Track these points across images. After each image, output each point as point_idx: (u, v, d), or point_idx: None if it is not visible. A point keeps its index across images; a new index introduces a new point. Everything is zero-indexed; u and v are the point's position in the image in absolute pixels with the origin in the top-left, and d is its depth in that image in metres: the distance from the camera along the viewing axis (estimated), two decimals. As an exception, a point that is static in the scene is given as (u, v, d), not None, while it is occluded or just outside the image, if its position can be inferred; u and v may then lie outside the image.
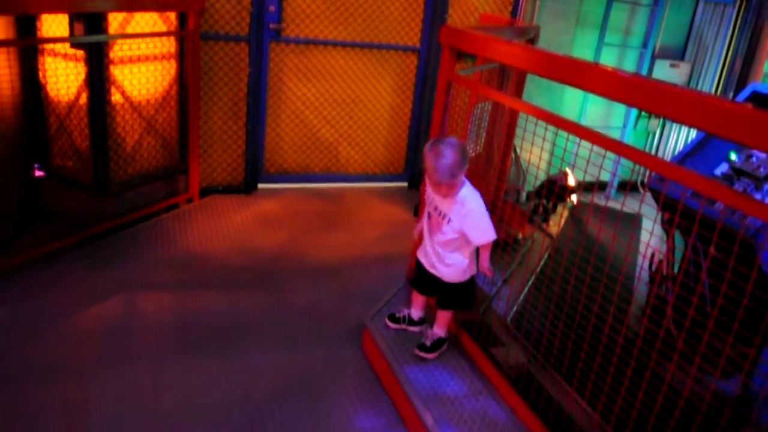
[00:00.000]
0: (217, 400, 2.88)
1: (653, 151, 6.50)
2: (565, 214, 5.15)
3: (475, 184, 2.84)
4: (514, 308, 3.34)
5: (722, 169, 2.98)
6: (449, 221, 2.80)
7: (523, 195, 5.33)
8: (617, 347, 2.14)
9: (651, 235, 2.01)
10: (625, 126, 6.22)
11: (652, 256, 3.22)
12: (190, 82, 4.63)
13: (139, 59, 4.30)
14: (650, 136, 6.52)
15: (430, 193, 2.84)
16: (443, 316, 3.07)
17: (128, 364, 3.05)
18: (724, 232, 2.31)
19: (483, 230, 2.77)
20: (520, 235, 4.50)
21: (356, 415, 2.88)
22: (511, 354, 2.89)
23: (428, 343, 3.03)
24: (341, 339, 3.44)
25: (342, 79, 5.41)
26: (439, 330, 3.07)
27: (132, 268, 3.93)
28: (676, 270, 3.22)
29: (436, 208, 2.86)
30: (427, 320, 3.22)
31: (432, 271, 2.97)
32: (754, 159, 2.90)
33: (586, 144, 2.17)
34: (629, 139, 6.29)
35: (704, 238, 2.76)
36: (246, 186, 5.30)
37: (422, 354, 3.00)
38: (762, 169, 2.83)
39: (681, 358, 1.96)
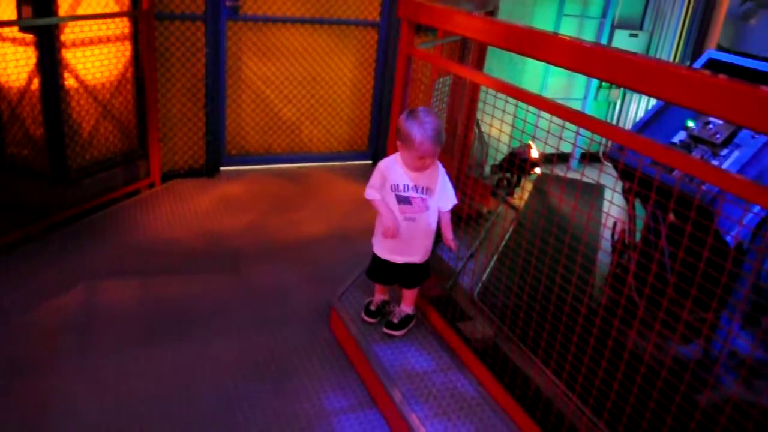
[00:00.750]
0: (186, 387, 2.85)
1: (614, 122, 6.56)
2: (529, 186, 5.19)
3: (439, 159, 2.82)
4: (480, 282, 3.36)
5: (680, 137, 3.01)
6: (432, 194, 2.73)
7: (487, 169, 5.35)
8: (580, 317, 2.16)
9: (611, 204, 2.02)
10: (586, 97, 6.27)
11: (614, 225, 3.26)
12: (146, 64, 4.51)
13: (92, 42, 4.18)
14: (611, 106, 6.57)
15: (401, 178, 2.72)
16: (411, 294, 3.04)
17: (92, 355, 2.99)
18: (682, 199, 2.34)
19: (452, 195, 2.76)
20: (484, 209, 4.52)
21: (326, 394, 2.88)
22: (478, 328, 2.91)
23: (396, 321, 3.01)
24: (309, 320, 3.43)
25: (302, 56, 5.33)
26: (406, 307, 3.06)
27: (93, 257, 3.85)
28: (637, 239, 3.26)
29: (416, 188, 2.73)
30: (392, 299, 3.21)
31: (405, 260, 2.89)
32: (711, 126, 2.93)
33: (548, 116, 2.16)
34: (590, 110, 6.34)
35: (663, 206, 2.80)
36: (208, 169, 5.22)
37: (391, 332, 2.99)
38: (718, 136, 2.86)
39: (643, 325, 1.99)
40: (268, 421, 2.69)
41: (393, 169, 2.74)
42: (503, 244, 3.87)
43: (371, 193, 2.80)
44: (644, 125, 3.12)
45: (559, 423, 2.28)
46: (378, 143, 5.80)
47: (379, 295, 3.16)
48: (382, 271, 3.00)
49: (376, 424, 2.72)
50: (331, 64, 5.47)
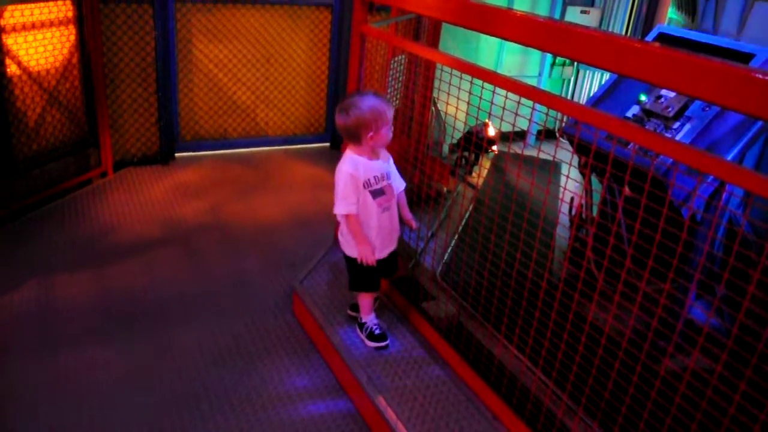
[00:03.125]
0: (150, 378, 2.80)
1: (569, 98, 6.62)
2: (487, 164, 5.21)
3: (397, 140, 2.81)
4: (442, 262, 3.36)
5: (633, 111, 3.04)
6: (391, 177, 2.69)
7: (445, 148, 5.35)
8: (541, 292, 2.18)
9: (567, 179, 2.03)
10: (540, 74, 6.31)
11: (571, 200, 3.29)
12: (92, 49, 4.38)
13: (34, 26, 4.02)
14: (565, 83, 6.63)
15: (369, 171, 2.60)
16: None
17: (50, 350, 2.91)
18: (636, 172, 2.37)
19: (398, 174, 2.75)
20: (444, 189, 4.53)
21: (291, 379, 2.86)
22: (441, 307, 2.91)
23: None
24: (272, 305, 3.40)
25: (254, 38, 5.23)
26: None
27: (45, 249, 3.74)
28: (594, 212, 3.30)
29: (384, 176, 2.64)
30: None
31: (389, 249, 2.79)
32: (662, 100, 2.97)
33: (504, 94, 2.16)
34: (545, 87, 6.38)
35: (619, 179, 2.83)
36: (162, 156, 5.10)
37: (356, 314, 2.95)
38: (670, 109, 2.90)
39: (603, 298, 2.02)
40: (233, 408, 2.66)
41: (358, 166, 2.58)
42: (463, 222, 3.88)
43: (346, 206, 2.59)
44: (597, 101, 3.15)
45: (525, 397, 2.30)
46: (335, 125, 5.74)
47: (372, 314, 2.89)
48: (371, 275, 2.76)
49: (342, 407, 2.71)
50: (285, 46, 5.38)
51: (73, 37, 4.34)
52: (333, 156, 5.53)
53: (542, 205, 2.13)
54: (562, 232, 3.31)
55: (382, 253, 2.75)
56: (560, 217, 3.10)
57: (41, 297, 3.30)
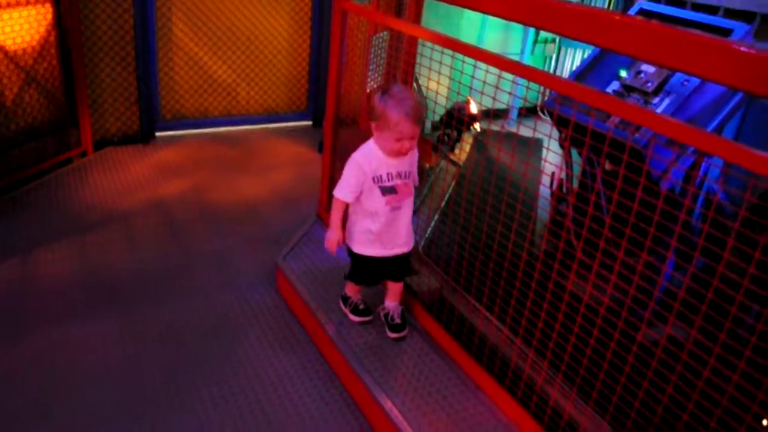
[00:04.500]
0: (134, 357, 2.81)
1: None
2: (470, 141, 5.23)
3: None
4: (425, 237, 3.38)
5: (613, 87, 3.07)
6: (412, 176, 2.54)
7: (428, 125, 5.35)
8: (521, 263, 2.21)
9: (548, 151, 2.05)
10: (522, 52, 6.31)
11: (552, 174, 3.32)
12: (70, 28, 4.31)
13: (9, 4, 3.95)
14: (547, 60, 6.64)
15: (383, 167, 2.47)
16: (400, 288, 2.78)
17: (32, 329, 2.91)
18: (616, 145, 2.39)
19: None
20: (427, 165, 4.54)
21: (276, 355, 2.88)
22: (424, 281, 2.94)
23: (399, 320, 2.72)
24: (255, 283, 3.40)
25: (234, 15, 5.18)
26: (394, 301, 2.79)
27: (27, 229, 3.72)
28: (574, 185, 3.34)
29: (400, 175, 2.50)
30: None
31: (396, 252, 2.64)
32: (642, 75, 2.99)
33: (486, 70, 2.17)
34: (528, 63, 6.39)
35: (599, 153, 2.86)
36: (143, 135, 5.06)
37: (399, 335, 2.71)
38: (650, 84, 2.93)
39: (584, 269, 2.05)
40: (219, 384, 2.68)
41: (372, 159, 2.46)
42: (446, 198, 3.90)
43: (341, 191, 2.52)
44: (578, 76, 3.17)
45: (506, 367, 2.34)
46: (317, 102, 5.73)
47: (357, 294, 2.86)
48: (370, 270, 2.70)
49: (327, 381, 2.74)
50: (266, 23, 5.34)
51: (50, 16, 4.27)
52: (315, 134, 5.52)
53: (523, 179, 2.15)
54: (544, 207, 3.35)
55: (385, 252, 2.62)
56: (541, 191, 3.13)
57: (23, 275, 3.28)
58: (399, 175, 2.48)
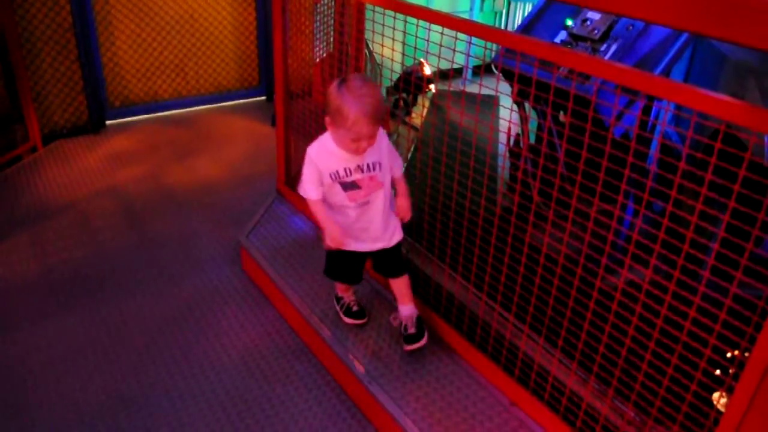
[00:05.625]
0: (102, 350, 2.77)
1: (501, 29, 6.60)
2: (426, 104, 5.20)
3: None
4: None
5: (561, 37, 3.06)
6: (381, 167, 2.24)
7: (383, 91, 5.31)
8: (479, 220, 2.22)
9: (503, 108, 2.05)
10: (471, 9, 6.26)
11: (508, 129, 3.32)
12: (4, 19, 4.15)
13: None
14: (497, 16, 6.61)
15: (339, 162, 2.19)
16: (404, 286, 2.48)
17: (-7, 331, 2.85)
18: (565, 95, 2.39)
19: (398, 156, 2.31)
20: (384, 131, 4.50)
21: (246, 333, 2.87)
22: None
23: (414, 330, 2.42)
24: (220, 264, 3.37)
25: (175, -7, 5.04)
26: (408, 306, 2.49)
27: (-21, 230, 3.62)
28: (533, 141, 3.35)
29: (361, 168, 2.20)
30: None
31: (370, 247, 2.40)
32: (588, 22, 2.99)
33: (437, 31, 2.14)
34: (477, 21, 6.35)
35: (553, 106, 2.86)
36: (92, 125, 4.93)
37: (415, 346, 2.40)
38: (596, 32, 2.93)
39: (540, 220, 2.06)
40: (192, 370, 2.66)
41: (326, 155, 2.20)
42: (406, 163, 3.88)
43: (307, 190, 2.25)
44: (524, 29, 3.15)
45: (474, 323, 2.36)
46: (269, 77, 5.63)
47: (350, 295, 2.67)
48: (344, 265, 2.49)
49: (301, 355, 2.74)
50: (208, -1, 5.21)
51: (-21, 7, 4.11)
52: (269, 109, 5.44)
53: (479, 136, 2.14)
54: (503, 163, 3.35)
55: (359, 247, 2.39)
56: (499, 149, 3.13)
57: (-20, 279, 3.21)
58: (360, 168, 2.19)
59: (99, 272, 3.28)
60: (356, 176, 2.20)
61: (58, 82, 4.67)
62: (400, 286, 2.47)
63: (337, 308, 2.67)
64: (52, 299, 3.07)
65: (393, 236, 2.40)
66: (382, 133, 2.22)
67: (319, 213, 2.28)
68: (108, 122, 5.08)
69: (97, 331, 2.87)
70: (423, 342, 2.39)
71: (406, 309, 2.48)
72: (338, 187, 2.23)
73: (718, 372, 1.69)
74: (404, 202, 2.35)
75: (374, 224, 2.33)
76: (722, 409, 1.55)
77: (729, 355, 1.64)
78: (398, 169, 2.35)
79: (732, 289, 1.47)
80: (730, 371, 1.55)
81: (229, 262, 3.37)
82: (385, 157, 2.26)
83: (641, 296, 1.69)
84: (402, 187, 2.36)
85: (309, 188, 2.25)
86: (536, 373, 2.12)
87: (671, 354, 1.66)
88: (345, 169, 2.19)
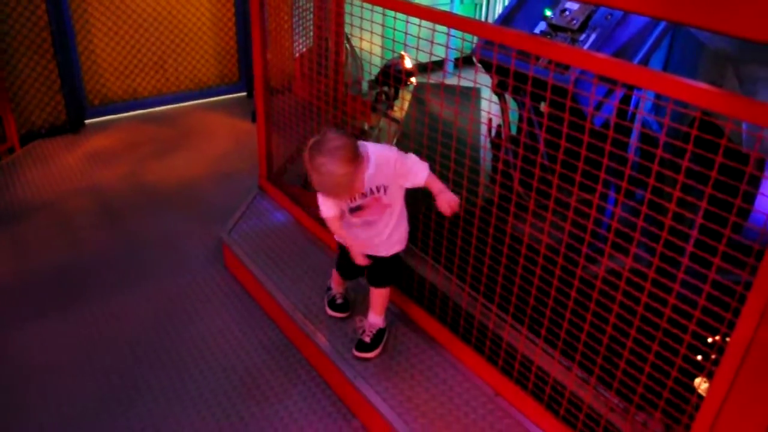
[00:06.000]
0: (87, 352, 2.74)
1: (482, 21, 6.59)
2: (408, 97, 5.19)
3: (311, 80, 2.73)
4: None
5: (540, 27, 3.06)
6: (387, 189, 2.21)
7: (364, 85, 5.29)
8: (461, 212, 2.21)
9: (478, 99, 2.04)
10: (452, 1, 6.26)
11: (489, 121, 3.32)
12: (-24, 17, 4.09)
13: None
14: (477, 8, 6.61)
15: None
16: (380, 298, 2.47)
17: (-27, 334, 2.82)
18: (546, 86, 2.40)
19: (415, 165, 2.21)
20: (366, 126, 4.50)
21: (230, 330, 2.85)
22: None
23: (368, 339, 2.43)
24: (203, 261, 3.35)
25: (152, -10, 4.99)
26: (376, 317, 2.49)
27: (-44, 233, 3.57)
28: (514, 132, 3.35)
29: (364, 194, 2.18)
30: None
31: (374, 253, 2.36)
32: (567, 13, 2.99)
33: (417, 23, 2.14)
34: (458, 13, 6.34)
35: (533, 96, 2.87)
36: (71, 124, 4.87)
37: (363, 354, 2.42)
38: (575, 21, 2.93)
39: (521, 210, 2.06)
40: (178, 371, 2.64)
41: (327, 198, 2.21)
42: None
43: (327, 211, 2.23)
44: (504, 20, 3.15)
45: (457, 315, 2.36)
46: (250, 72, 5.59)
47: (338, 287, 2.69)
48: (344, 258, 2.46)
49: (285, 350, 2.73)
50: (185, -5, 5.16)
51: (-48, 6, 4.05)
52: (250, 105, 5.38)
53: (461, 128, 2.14)
54: (484, 155, 3.35)
55: (378, 252, 2.36)
56: (482, 140, 3.13)
57: (-41, 282, 3.17)
58: (363, 195, 2.17)
59: (80, 273, 3.25)
60: (359, 201, 2.19)
61: (35, 82, 4.61)
62: (377, 296, 2.46)
63: (324, 298, 2.69)
64: (32, 301, 3.03)
65: (393, 246, 2.36)
66: (387, 158, 2.17)
67: (338, 233, 2.31)
68: (87, 121, 5.02)
69: (80, 332, 2.84)
70: (371, 355, 2.41)
71: (373, 317, 2.48)
72: (345, 209, 2.23)
73: (699, 358, 1.71)
74: (445, 198, 2.18)
75: (377, 238, 2.31)
76: (703, 394, 1.56)
77: (710, 340, 1.65)
78: (419, 176, 2.21)
79: (711, 275, 1.47)
80: (711, 357, 1.56)
81: (212, 260, 3.35)
82: (393, 179, 2.20)
83: (622, 284, 1.70)
84: (436, 187, 2.21)
85: (326, 209, 2.21)
86: (520, 363, 2.12)
87: (652, 341, 1.66)
88: (350, 199, 2.18)
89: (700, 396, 1.62)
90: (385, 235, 2.30)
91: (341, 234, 2.29)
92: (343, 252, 2.43)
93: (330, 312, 2.64)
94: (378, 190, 2.18)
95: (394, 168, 2.18)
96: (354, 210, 2.23)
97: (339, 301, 2.65)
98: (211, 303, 3.03)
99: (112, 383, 2.57)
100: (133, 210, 3.86)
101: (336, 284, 2.68)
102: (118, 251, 3.45)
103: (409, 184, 2.23)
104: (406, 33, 2.25)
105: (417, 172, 2.20)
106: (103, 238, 3.57)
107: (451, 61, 5.99)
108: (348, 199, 2.17)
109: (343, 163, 1.97)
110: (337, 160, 1.97)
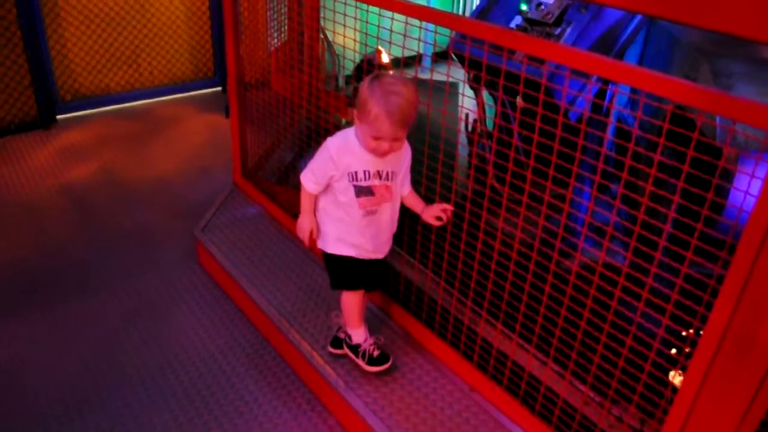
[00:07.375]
0: (60, 356, 2.68)
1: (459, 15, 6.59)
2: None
3: (288, 75, 2.70)
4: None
5: (516, 21, 3.05)
6: (396, 178, 2.13)
7: (341, 80, 5.25)
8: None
9: (452, 93, 2.02)
10: (429, -5, 6.25)
11: (466, 117, 3.31)
12: (-58, 10, 3.99)
13: None
14: (455, 2, 6.61)
15: (359, 163, 2.05)
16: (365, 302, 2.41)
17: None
18: (523, 80, 2.39)
19: (408, 171, 2.20)
20: (343, 121, 4.46)
21: (204, 329, 2.81)
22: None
23: (343, 336, 2.38)
24: (176, 258, 3.30)
25: (123, -18, 4.91)
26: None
27: None
28: (490, 127, 3.34)
29: (379, 175, 2.08)
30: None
31: (371, 256, 2.24)
32: (543, 7, 2.99)
33: (395, 19, 2.12)
34: (436, 6, 6.32)
35: (509, 91, 2.86)
36: (42, 120, 4.78)
37: (338, 351, 2.40)
38: (551, 16, 2.92)
39: (494, 205, 2.05)
40: (149, 369, 2.60)
41: (347, 151, 2.05)
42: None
43: (308, 179, 2.13)
44: (480, 14, 3.13)
45: (433, 311, 2.35)
46: (224, 67, 5.53)
47: (364, 330, 2.34)
48: (355, 271, 2.25)
49: (260, 348, 2.70)
50: (158, -12, 5.08)
51: None
52: (225, 100, 5.33)
53: (427, 122, 2.12)
54: (462, 151, 3.34)
55: (361, 255, 2.22)
56: (459, 136, 3.12)
57: (-76, 282, 3.09)
58: (378, 174, 2.07)
59: (52, 272, 3.19)
60: (374, 182, 2.08)
61: (4, 77, 4.51)
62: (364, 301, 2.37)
63: (358, 362, 2.33)
64: (2, 301, 2.97)
65: (386, 248, 2.29)
66: (407, 150, 2.14)
67: (305, 200, 2.17)
68: (59, 117, 4.93)
69: (51, 332, 2.79)
70: (345, 351, 2.36)
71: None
72: (351, 191, 2.08)
73: (673, 351, 1.71)
74: (436, 206, 2.16)
75: (383, 235, 2.22)
76: (677, 387, 1.56)
77: (683, 334, 1.65)
78: (407, 180, 2.22)
79: (683, 269, 1.47)
80: (685, 350, 1.56)
81: (186, 257, 3.30)
82: (402, 173, 2.16)
83: (595, 279, 1.69)
84: (418, 204, 2.23)
85: (310, 177, 2.11)
86: (495, 358, 2.11)
87: (626, 335, 1.66)
88: (365, 172, 2.06)
89: (674, 389, 1.62)
90: (387, 231, 2.23)
91: (308, 206, 2.17)
92: (352, 264, 2.23)
93: (373, 369, 2.30)
94: (391, 176, 2.11)
95: (406, 156, 2.16)
96: (362, 192, 2.08)
97: (376, 353, 2.30)
98: (185, 301, 2.99)
99: (84, 382, 2.52)
100: (106, 207, 3.79)
101: (357, 323, 2.33)
102: (91, 249, 3.39)
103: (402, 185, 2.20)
104: (379, 26, 2.23)
105: (408, 175, 2.20)
106: (75, 236, 3.50)
107: (428, 56, 5.97)
108: (379, 154, 2.02)
109: (414, 91, 1.96)
110: (411, 86, 1.96)
